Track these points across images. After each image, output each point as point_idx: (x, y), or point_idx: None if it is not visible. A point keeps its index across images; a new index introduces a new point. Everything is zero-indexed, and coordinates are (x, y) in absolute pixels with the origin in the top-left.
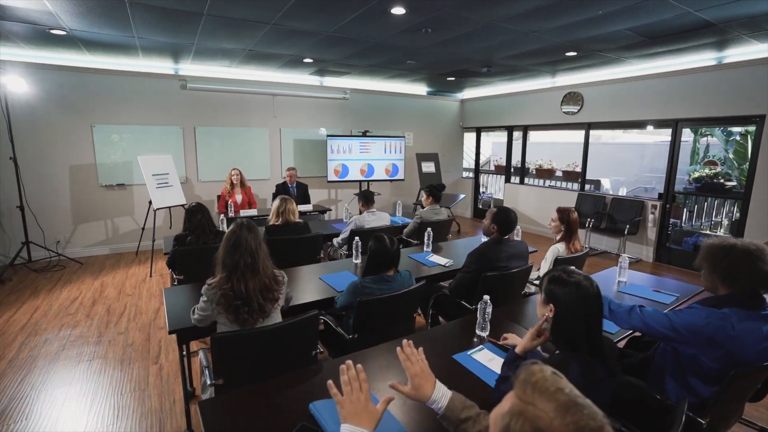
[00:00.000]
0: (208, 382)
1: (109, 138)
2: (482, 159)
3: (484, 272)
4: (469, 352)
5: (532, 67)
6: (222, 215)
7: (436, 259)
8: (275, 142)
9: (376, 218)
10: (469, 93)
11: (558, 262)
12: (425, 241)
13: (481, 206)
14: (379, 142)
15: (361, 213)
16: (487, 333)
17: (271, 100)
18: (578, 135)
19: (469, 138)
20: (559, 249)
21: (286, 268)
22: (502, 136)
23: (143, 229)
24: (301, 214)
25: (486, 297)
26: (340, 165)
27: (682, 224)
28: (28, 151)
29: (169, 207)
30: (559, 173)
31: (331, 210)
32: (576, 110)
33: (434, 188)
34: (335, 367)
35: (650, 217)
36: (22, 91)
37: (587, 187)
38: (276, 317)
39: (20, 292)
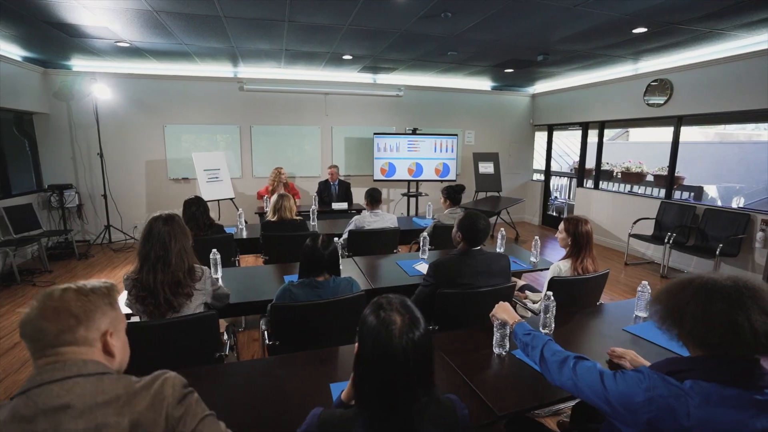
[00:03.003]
0: None
1: (177, 136)
2: (564, 161)
3: (441, 288)
4: None
5: (601, 52)
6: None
7: (422, 267)
8: (326, 140)
9: (379, 219)
10: (540, 86)
11: (554, 284)
12: (421, 246)
13: (555, 213)
14: (429, 140)
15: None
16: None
17: (323, 98)
18: (683, 134)
19: (541, 137)
20: (560, 267)
21: (278, 264)
22: (591, 136)
23: None
24: (335, 212)
25: None
26: (386, 164)
27: None
28: (111, 148)
29: (218, 200)
30: (650, 177)
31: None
32: (663, 101)
33: (452, 190)
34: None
35: (759, 235)
36: (107, 98)
37: (681, 194)
38: (190, 312)
39: (100, 267)
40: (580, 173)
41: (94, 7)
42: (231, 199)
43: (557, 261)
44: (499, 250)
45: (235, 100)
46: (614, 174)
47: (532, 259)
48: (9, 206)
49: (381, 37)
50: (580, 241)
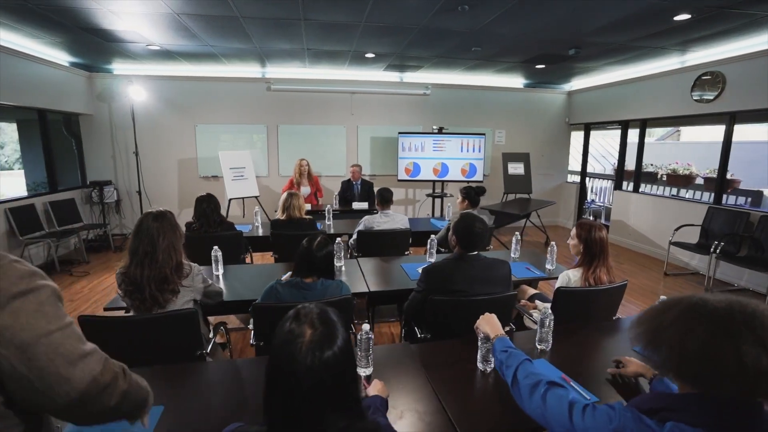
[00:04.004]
0: None
1: (208, 135)
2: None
3: (433, 294)
4: None
5: (640, 43)
6: None
7: None
8: (352, 140)
9: (389, 220)
10: (577, 83)
11: (560, 295)
12: (428, 250)
13: (592, 217)
14: (455, 140)
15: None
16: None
17: (350, 98)
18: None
19: (578, 137)
20: (570, 277)
21: (287, 262)
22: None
23: (226, 216)
24: (356, 212)
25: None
26: (411, 163)
27: None
28: (146, 147)
29: (242, 198)
30: (699, 180)
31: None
32: (713, 96)
33: (472, 190)
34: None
35: None
36: (142, 99)
37: (737, 200)
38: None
39: None
40: (618, 175)
41: (120, 12)
42: (255, 197)
43: (568, 269)
44: (513, 255)
45: (263, 100)
46: (659, 176)
47: (548, 266)
48: (54, 201)
49: (400, 34)
50: (592, 249)
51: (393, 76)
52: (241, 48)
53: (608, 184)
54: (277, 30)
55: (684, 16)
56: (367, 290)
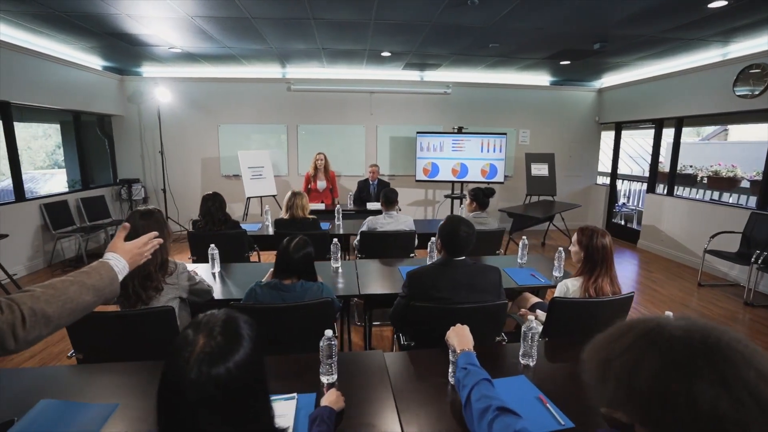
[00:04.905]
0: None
1: (230, 135)
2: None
3: (415, 300)
4: None
5: (674, 35)
6: None
7: None
8: (371, 139)
9: (393, 221)
10: (608, 79)
11: (555, 306)
12: (429, 252)
13: (623, 221)
14: (475, 139)
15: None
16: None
17: (369, 97)
18: None
19: (609, 137)
20: (568, 286)
21: None
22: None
23: (246, 214)
24: (370, 212)
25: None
26: (429, 164)
27: None
28: (171, 147)
29: (260, 196)
30: (745, 183)
31: (400, 210)
32: (759, 91)
33: (480, 192)
34: None
35: None
36: (167, 100)
37: None
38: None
39: None
40: (651, 177)
41: (138, 17)
42: (273, 195)
43: (567, 279)
44: (520, 260)
45: (283, 100)
46: (698, 179)
47: (555, 273)
48: (86, 197)
49: (412, 31)
50: (594, 256)
51: (413, 75)
52: (258, 49)
53: (641, 186)
54: (289, 30)
55: (720, 3)
56: (358, 292)
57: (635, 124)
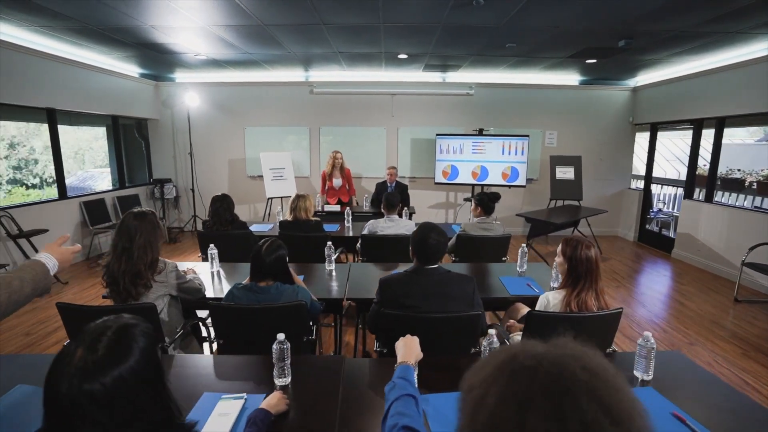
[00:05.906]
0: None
1: (255, 137)
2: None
3: (386, 307)
4: None
5: (709, 28)
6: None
7: None
8: (392, 141)
9: (394, 225)
10: (643, 78)
11: (531, 320)
12: None
13: (657, 228)
14: (496, 141)
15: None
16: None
17: (390, 99)
18: None
19: (645, 138)
20: (549, 299)
21: (291, 263)
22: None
23: (268, 214)
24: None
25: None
26: (449, 166)
27: None
28: (200, 148)
29: (281, 197)
30: None
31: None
32: None
33: (485, 197)
34: None
35: None
36: (196, 104)
37: None
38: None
39: (181, 250)
40: (688, 182)
41: (161, 27)
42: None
43: (548, 291)
44: (520, 269)
45: (306, 103)
46: (746, 184)
47: (553, 284)
48: (121, 196)
49: (424, 33)
50: (577, 269)
51: (435, 76)
52: (278, 54)
53: (676, 191)
54: (303, 35)
55: None
56: (343, 297)
57: (672, 124)
